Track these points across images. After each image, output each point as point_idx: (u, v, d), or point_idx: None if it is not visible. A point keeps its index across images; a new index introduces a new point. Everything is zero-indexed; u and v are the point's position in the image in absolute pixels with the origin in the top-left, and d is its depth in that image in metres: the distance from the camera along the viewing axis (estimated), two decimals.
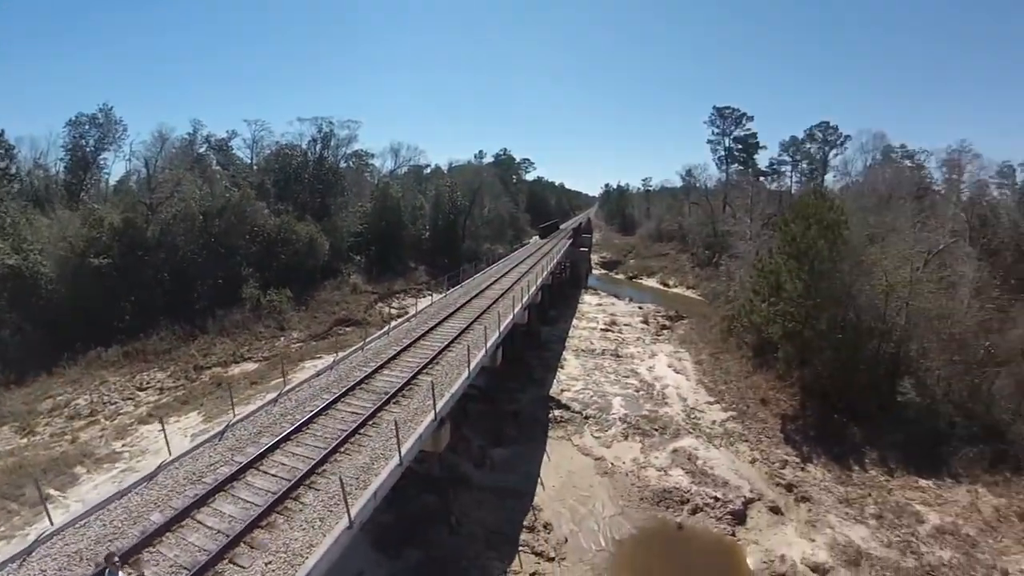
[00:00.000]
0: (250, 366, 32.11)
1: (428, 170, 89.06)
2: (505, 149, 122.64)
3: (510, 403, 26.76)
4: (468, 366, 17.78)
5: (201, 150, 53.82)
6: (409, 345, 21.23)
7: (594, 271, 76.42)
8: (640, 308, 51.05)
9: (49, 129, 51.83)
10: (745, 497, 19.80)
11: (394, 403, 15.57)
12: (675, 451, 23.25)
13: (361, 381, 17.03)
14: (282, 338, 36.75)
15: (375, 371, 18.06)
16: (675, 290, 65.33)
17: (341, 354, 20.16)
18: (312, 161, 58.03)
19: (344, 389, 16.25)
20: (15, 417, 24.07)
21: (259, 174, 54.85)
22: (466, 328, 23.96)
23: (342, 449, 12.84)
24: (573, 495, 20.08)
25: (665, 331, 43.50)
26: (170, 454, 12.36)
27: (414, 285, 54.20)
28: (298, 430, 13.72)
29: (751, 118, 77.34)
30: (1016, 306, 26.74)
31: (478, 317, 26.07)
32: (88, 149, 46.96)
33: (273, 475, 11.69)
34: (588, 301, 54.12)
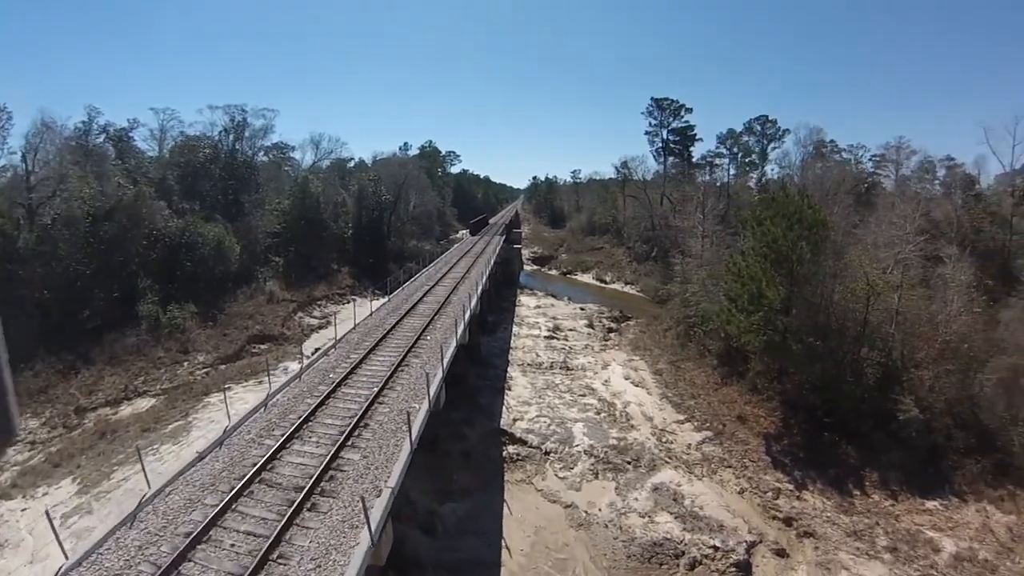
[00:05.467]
0: (145, 403, 27.05)
1: (352, 164, 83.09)
2: (430, 141, 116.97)
3: (457, 441, 22.80)
4: (410, 436, 13.42)
5: (98, 141, 46.46)
6: (327, 397, 16.55)
7: (525, 267, 73.10)
8: (582, 309, 48.13)
9: None
10: (746, 541, 17.49)
11: (309, 509, 10.96)
12: (656, 489, 20.35)
13: (260, 469, 12.20)
14: (185, 363, 31.39)
15: (280, 448, 13.18)
16: (613, 286, 63.16)
17: (236, 418, 14.71)
18: (223, 153, 51.81)
19: (234, 489, 11.30)
20: None
21: (161, 168, 47.78)
22: (400, 362, 19.73)
23: None
24: (547, 559, 16.74)
25: (613, 335, 40.85)
26: None
27: (337, 290, 49.92)
28: None
29: (690, 110, 75.53)
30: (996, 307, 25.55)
31: (412, 346, 21.80)
32: None
33: None
34: (526, 303, 50.57)
